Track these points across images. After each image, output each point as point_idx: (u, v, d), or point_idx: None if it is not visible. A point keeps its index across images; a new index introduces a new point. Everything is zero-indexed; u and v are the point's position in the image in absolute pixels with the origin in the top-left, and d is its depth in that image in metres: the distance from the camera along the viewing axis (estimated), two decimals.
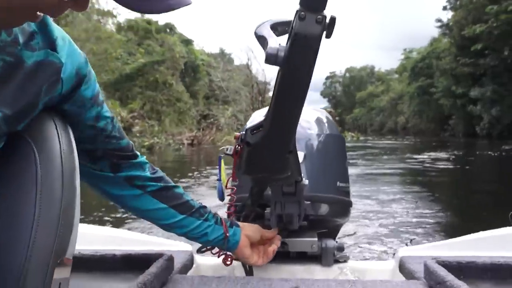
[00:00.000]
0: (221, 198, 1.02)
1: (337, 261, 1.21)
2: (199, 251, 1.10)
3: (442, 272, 0.88)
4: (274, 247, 1.07)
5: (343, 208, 1.23)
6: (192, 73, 34.09)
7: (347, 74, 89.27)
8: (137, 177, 0.89)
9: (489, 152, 15.54)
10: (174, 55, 30.14)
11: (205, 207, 0.98)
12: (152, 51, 30.82)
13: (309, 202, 1.09)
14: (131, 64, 27.02)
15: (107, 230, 1.42)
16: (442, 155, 14.12)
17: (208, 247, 1.06)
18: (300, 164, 1.01)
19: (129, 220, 4.35)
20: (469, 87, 28.62)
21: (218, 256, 1.07)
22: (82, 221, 0.84)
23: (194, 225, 0.94)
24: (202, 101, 33.64)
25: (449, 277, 0.85)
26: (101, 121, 0.78)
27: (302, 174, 1.05)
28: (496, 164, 12.05)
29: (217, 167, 1.03)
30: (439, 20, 35.24)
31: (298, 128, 0.87)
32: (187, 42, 39.79)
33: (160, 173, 0.94)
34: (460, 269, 0.95)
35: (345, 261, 1.22)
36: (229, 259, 1.07)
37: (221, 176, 1.01)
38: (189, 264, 1.17)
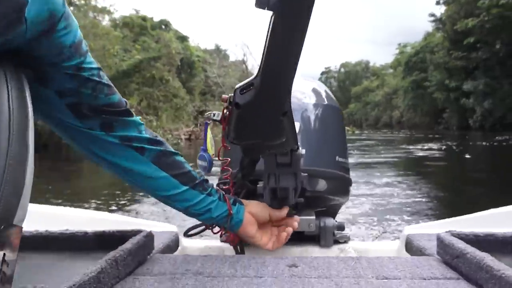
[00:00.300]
0: (208, 170, 0.91)
1: (337, 242, 1.13)
2: (186, 234, 0.99)
3: (460, 244, 0.78)
4: (289, 231, 0.95)
5: (342, 185, 1.14)
6: (188, 69, 34.30)
7: (342, 69, 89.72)
8: (134, 138, 0.79)
9: (483, 143, 15.98)
10: (170, 51, 30.29)
11: (207, 180, 0.89)
12: (148, 47, 30.99)
13: (306, 174, 0.98)
14: (127, 60, 27.22)
15: (81, 211, 1.30)
16: (436, 145, 14.54)
17: (197, 230, 0.97)
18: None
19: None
20: (462, 81, 29.06)
21: (221, 235, 1.00)
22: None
23: (198, 199, 0.85)
24: (198, 97, 33.85)
25: (469, 249, 0.75)
26: (85, 72, 0.69)
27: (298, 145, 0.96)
28: (488, 153, 12.46)
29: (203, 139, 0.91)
30: (432, 15, 35.75)
31: (293, 99, 0.80)
32: (183, 39, 39.96)
33: (160, 137, 0.85)
34: (478, 242, 0.84)
35: (345, 242, 1.13)
36: (231, 238, 1.00)
37: (207, 146, 0.90)
38: (173, 245, 1.06)
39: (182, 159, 0.86)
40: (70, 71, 0.68)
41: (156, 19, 41.34)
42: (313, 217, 1.06)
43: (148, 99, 27.62)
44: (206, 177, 0.89)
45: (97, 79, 0.72)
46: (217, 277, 0.75)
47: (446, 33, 30.24)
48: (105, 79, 0.74)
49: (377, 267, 0.78)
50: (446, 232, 0.87)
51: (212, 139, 0.91)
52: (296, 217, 0.98)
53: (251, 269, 0.79)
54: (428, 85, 34.99)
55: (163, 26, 47.21)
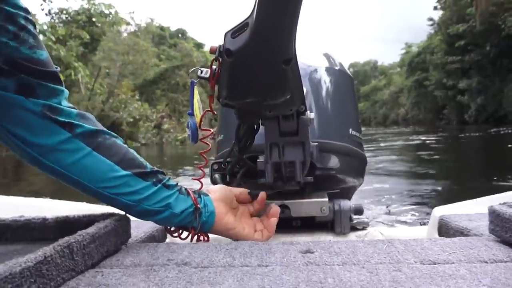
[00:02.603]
0: (195, 139, 0.75)
1: (354, 229, 0.97)
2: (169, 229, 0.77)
3: None
4: (274, 210, 0.78)
5: (357, 163, 0.98)
6: None
7: (351, 69, 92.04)
8: (61, 111, 0.60)
9: (476, 134, 18.28)
10: (192, 60, 33.64)
11: (163, 172, 0.70)
12: (171, 56, 34.34)
13: (316, 144, 0.80)
14: (153, 69, 30.57)
15: (46, 201, 1.06)
16: (436, 136, 17.38)
17: (174, 230, 0.76)
18: None
19: None
20: (458, 80, 31.83)
21: (192, 240, 0.74)
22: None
23: (149, 191, 0.66)
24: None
25: None
26: (7, 6, 0.53)
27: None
28: (482, 142, 14.78)
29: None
30: (430, 19, 38.67)
31: (300, 59, 0.65)
32: (199, 46, 43.34)
33: (90, 115, 0.65)
34: None
35: (364, 228, 0.98)
36: (204, 239, 0.75)
37: (193, 108, 0.73)
38: (158, 235, 0.87)
39: (123, 144, 0.67)
40: None
41: (173, 28, 44.66)
42: (326, 199, 0.87)
43: (173, 103, 30.95)
44: (160, 170, 0.70)
45: (22, 22, 0.55)
46: (208, 267, 0.55)
47: (443, 36, 33.10)
48: (32, 28, 0.57)
49: (418, 250, 0.60)
50: (501, 204, 0.65)
51: (200, 102, 0.74)
52: (262, 193, 0.79)
53: (254, 256, 0.59)
54: (428, 84, 37.88)
55: (180, 35, 50.78)
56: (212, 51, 0.66)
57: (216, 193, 0.75)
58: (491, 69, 29.31)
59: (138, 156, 0.68)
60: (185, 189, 0.73)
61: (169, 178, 0.71)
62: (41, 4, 24.29)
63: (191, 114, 0.74)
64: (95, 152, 0.62)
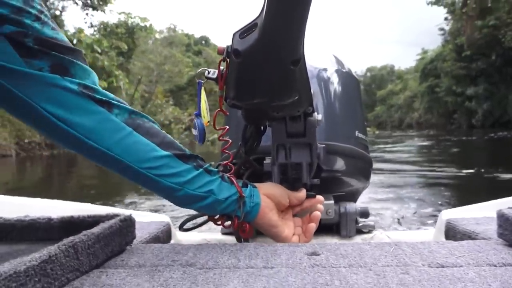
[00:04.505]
0: (202, 140, 0.72)
1: (360, 232, 0.99)
2: (182, 227, 0.83)
3: None
4: (315, 218, 0.76)
5: (363, 166, 0.99)
6: None
7: (368, 74, 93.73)
8: (98, 90, 0.59)
9: (484, 137, 20.13)
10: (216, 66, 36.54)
11: (202, 159, 0.69)
12: (197, 63, 37.24)
13: (323, 145, 0.78)
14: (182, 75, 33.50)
15: (51, 201, 1.04)
16: (445, 138, 19.61)
17: (195, 223, 0.80)
18: None
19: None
20: (467, 86, 34.06)
21: (235, 228, 0.72)
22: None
23: (192, 174, 0.64)
24: None
25: None
26: None
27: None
28: (487, 143, 16.60)
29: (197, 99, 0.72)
30: (441, 29, 40.84)
31: (306, 60, 0.64)
32: None
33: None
34: None
35: (370, 231, 1.00)
36: (246, 229, 0.72)
37: (201, 109, 0.72)
38: (163, 236, 0.89)
39: (160, 129, 0.66)
40: None
41: (197, 35, 47.60)
42: (332, 201, 0.92)
43: None
44: (200, 156, 0.68)
45: (39, 6, 0.55)
46: (213, 268, 0.56)
47: (452, 45, 35.34)
48: (47, 12, 0.57)
49: (425, 253, 0.60)
50: (510, 208, 0.66)
51: (207, 102, 0.73)
52: (320, 197, 0.78)
53: (259, 258, 0.60)
54: (439, 91, 40.04)
55: (204, 42, 53.82)
56: (219, 51, 0.65)
57: (267, 189, 0.73)
58: (498, 77, 31.48)
59: (177, 142, 0.66)
60: (228, 177, 0.70)
61: (210, 164, 0.69)
62: (84, 18, 27.47)
63: (198, 115, 0.72)
64: (135, 132, 0.61)
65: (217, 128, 0.78)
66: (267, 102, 0.67)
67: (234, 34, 0.61)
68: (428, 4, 34.90)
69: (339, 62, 1.03)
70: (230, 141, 0.81)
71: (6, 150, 15.65)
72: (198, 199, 0.65)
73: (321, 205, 0.79)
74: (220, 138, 0.81)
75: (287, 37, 0.57)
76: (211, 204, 0.67)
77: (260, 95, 0.66)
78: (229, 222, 0.72)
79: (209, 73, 0.69)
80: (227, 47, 0.64)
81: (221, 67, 0.68)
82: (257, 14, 0.57)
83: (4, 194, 1.03)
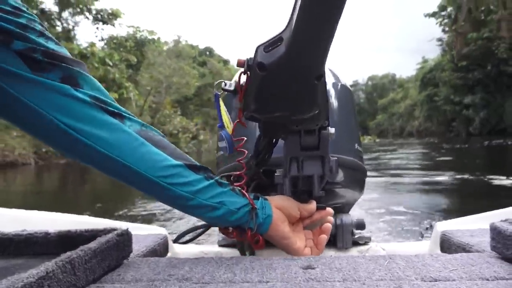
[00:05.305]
0: (231, 150, 0.75)
1: (356, 243, 1.00)
2: (177, 240, 0.85)
3: None
4: (326, 230, 0.77)
5: (360, 176, 1.00)
6: None
7: (369, 82, 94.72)
8: (109, 102, 0.61)
9: (483, 144, 21.19)
10: (221, 77, 37.69)
11: (211, 170, 0.69)
12: (202, 74, 38.41)
13: (335, 158, 0.78)
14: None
15: (48, 214, 1.04)
16: (445, 145, 20.72)
17: (191, 235, 0.80)
18: None
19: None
20: (464, 96, 35.17)
21: (248, 240, 0.72)
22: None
23: (203, 184, 0.65)
24: None
25: None
26: (25, 10, 0.56)
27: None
28: (483, 150, 17.49)
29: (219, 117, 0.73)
30: (439, 39, 42.13)
31: None
32: (225, 62, 47.26)
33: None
34: None
35: (366, 243, 1.01)
36: (259, 241, 0.73)
37: (223, 121, 0.73)
38: (160, 249, 0.90)
39: (169, 142, 0.67)
40: (9, 4, 0.54)
41: (201, 46, 48.71)
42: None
43: (205, 117, 34.92)
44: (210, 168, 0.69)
45: (39, 27, 0.58)
46: (209, 283, 0.56)
47: (450, 56, 36.52)
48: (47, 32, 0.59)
49: (419, 267, 0.60)
50: (503, 221, 0.65)
51: (227, 113, 0.74)
52: (329, 209, 0.79)
53: (255, 272, 0.60)
54: (437, 100, 41.13)
55: (208, 53, 55.12)
56: (239, 64, 0.65)
57: (278, 201, 0.74)
58: (493, 86, 32.58)
59: (186, 154, 0.68)
60: (239, 189, 0.70)
61: (221, 177, 0.71)
62: (95, 32, 28.68)
63: (222, 127, 0.73)
64: (148, 143, 0.62)
65: (234, 139, 0.77)
66: (288, 115, 0.67)
67: (258, 47, 0.60)
68: (425, 16, 36.13)
69: (335, 75, 1.05)
70: (246, 151, 0.81)
71: (26, 159, 16.72)
72: (210, 209, 0.66)
73: (331, 217, 0.79)
74: (238, 149, 0.79)
75: (314, 52, 0.57)
76: (223, 215, 0.67)
77: (282, 109, 0.66)
78: (241, 234, 0.71)
79: (225, 85, 0.70)
80: (247, 59, 0.63)
81: (235, 80, 0.69)
82: (283, 28, 0.58)
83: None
